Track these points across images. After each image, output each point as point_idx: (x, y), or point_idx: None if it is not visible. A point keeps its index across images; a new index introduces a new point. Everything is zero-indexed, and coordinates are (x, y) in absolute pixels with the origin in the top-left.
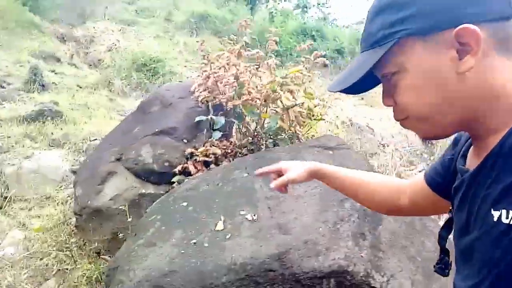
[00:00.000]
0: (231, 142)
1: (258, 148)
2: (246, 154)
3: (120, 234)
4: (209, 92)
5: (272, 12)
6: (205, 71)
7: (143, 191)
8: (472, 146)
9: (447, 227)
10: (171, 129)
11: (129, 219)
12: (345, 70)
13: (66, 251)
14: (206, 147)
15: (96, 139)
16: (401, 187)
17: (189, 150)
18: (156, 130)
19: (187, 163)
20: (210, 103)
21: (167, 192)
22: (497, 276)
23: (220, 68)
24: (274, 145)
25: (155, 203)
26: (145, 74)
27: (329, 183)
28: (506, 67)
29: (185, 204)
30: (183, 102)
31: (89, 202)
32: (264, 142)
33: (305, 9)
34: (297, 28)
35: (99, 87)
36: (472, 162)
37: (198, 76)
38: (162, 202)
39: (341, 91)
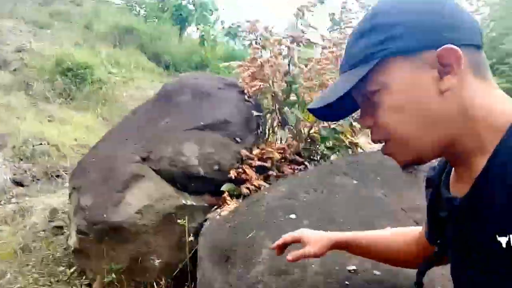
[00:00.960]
0: (289, 145)
1: (310, 154)
2: (302, 162)
3: (143, 261)
4: (262, 82)
5: (203, 35)
6: (254, 59)
7: (183, 202)
8: (452, 173)
9: (427, 262)
10: (222, 124)
11: (157, 240)
12: (326, 90)
13: None
14: (262, 149)
15: (42, 143)
16: (413, 240)
17: (244, 152)
18: (202, 123)
19: (241, 167)
20: (263, 96)
21: (213, 206)
22: None
23: (277, 56)
24: (331, 153)
25: (224, 213)
26: (70, 80)
27: (353, 251)
28: (480, 89)
29: (293, 216)
30: (226, 92)
31: (105, 215)
32: (319, 149)
33: (233, 36)
34: (226, 53)
35: (13, 89)
36: (456, 188)
37: (245, 65)
38: (244, 214)
39: (319, 117)
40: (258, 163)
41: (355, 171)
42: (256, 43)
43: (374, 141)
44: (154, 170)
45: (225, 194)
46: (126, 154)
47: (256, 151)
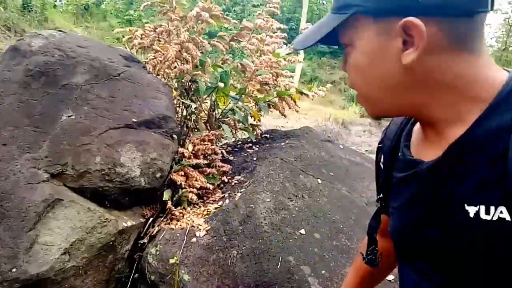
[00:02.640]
0: (215, 134)
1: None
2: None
3: None
4: (178, 61)
5: None
6: (156, 28)
7: (123, 224)
8: (417, 135)
9: (375, 217)
10: (161, 120)
11: (85, 280)
12: (311, 28)
13: None
14: (195, 144)
15: None
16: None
17: (182, 151)
18: (134, 120)
19: (183, 169)
20: (182, 78)
21: (150, 220)
22: (481, 273)
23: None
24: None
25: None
26: None
27: None
28: (461, 61)
29: (303, 231)
30: (138, 73)
31: (14, 270)
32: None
33: None
34: None
35: None
36: (422, 152)
37: (144, 34)
38: (238, 234)
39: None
40: (195, 161)
41: (308, 167)
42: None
43: (351, 87)
44: (74, 190)
45: (169, 204)
46: (22, 170)
47: (190, 147)
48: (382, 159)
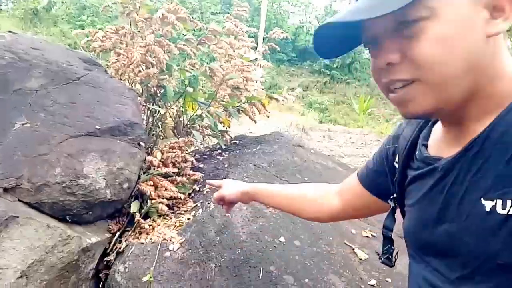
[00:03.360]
0: (184, 141)
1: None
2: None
3: None
4: (143, 65)
5: None
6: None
7: (88, 241)
8: (437, 135)
9: (391, 217)
10: (127, 126)
11: None
12: (351, 8)
13: None
14: (163, 152)
15: None
16: (332, 192)
17: (150, 159)
18: (97, 127)
19: (152, 179)
20: (147, 83)
21: (117, 235)
22: (496, 268)
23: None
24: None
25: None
26: None
27: (264, 202)
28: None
29: (283, 239)
30: (99, 76)
31: None
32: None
33: None
34: None
35: None
36: (441, 150)
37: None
38: (215, 246)
39: (321, 53)
40: (164, 169)
41: (282, 173)
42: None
43: (391, 83)
44: (31, 205)
45: (138, 216)
46: None
47: (159, 156)
48: (397, 158)
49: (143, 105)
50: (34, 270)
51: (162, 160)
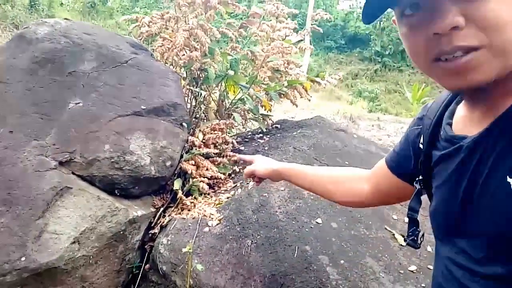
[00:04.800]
0: (225, 123)
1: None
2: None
3: None
4: (187, 49)
5: None
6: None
7: (134, 214)
8: (462, 113)
9: (416, 199)
10: (170, 107)
11: (95, 271)
12: None
13: None
14: (205, 133)
15: None
16: (363, 176)
17: (192, 139)
18: (143, 107)
19: (194, 158)
20: (193, 66)
21: (161, 210)
22: None
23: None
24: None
25: None
26: None
27: (293, 182)
28: None
29: (320, 221)
30: (146, 60)
31: (23, 259)
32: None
33: None
34: None
35: None
36: (467, 129)
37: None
38: (252, 223)
39: (365, 15)
40: (205, 150)
41: (322, 156)
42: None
43: (449, 52)
44: (83, 178)
45: (180, 193)
46: (30, 157)
47: (200, 136)
48: (421, 139)
49: (186, 88)
50: (85, 237)
51: (204, 141)
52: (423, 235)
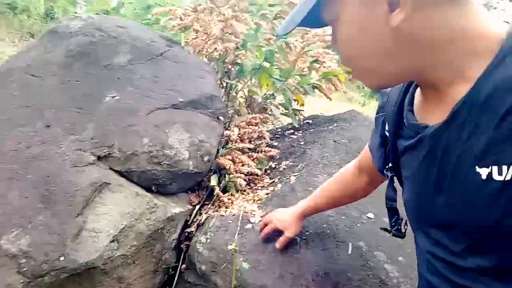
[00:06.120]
0: (260, 117)
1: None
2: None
3: None
4: (221, 41)
5: None
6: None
7: (172, 211)
8: (420, 99)
9: (391, 187)
10: (208, 99)
11: (133, 271)
12: (294, 10)
13: None
14: (240, 127)
15: None
16: (352, 168)
17: (228, 133)
18: (180, 100)
19: (231, 153)
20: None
21: (197, 207)
22: (501, 237)
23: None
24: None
25: None
26: None
27: (317, 212)
28: (452, 15)
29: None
30: (179, 53)
31: (62, 258)
32: (271, 118)
33: None
34: None
35: None
36: (427, 116)
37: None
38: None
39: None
40: (241, 145)
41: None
42: None
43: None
44: (121, 173)
45: (217, 190)
46: (68, 152)
47: (236, 131)
48: (387, 127)
49: (219, 81)
50: (124, 235)
51: (240, 135)
52: (406, 222)
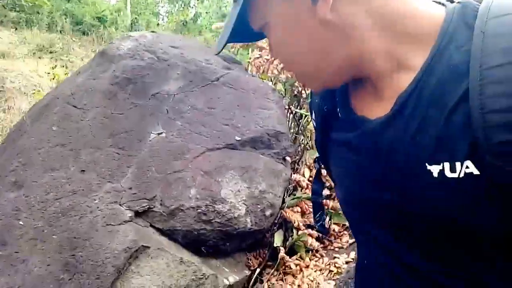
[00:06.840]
0: None
1: None
2: None
3: None
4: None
5: None
6: None
7: (225, 282)
8: (357, 90)
9: (318, 180)
10: (271, 137)
11: None
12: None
13: None
14: (312, 167)
15: None
16: None
17: (296, 178)
18: (237, 138)
19: (299, 204)
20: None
21: (259, 271)
22: (454, 237)
23: None
24: None
25: None
26: None
27: None
28: (385, 2)
29: None
30: (240, 76)
31: None
32: None
33: None
34: None
35: None
36: (367, 109)
37: None
38: None
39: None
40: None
41: None
42: None
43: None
44: (163, 232)
45: (282, 252)
46: (101, 206)
47: (307, 173)
48: (313, 116)
49: (286, 108)
50: None
51: (311, 179)
52: (330, 218)
